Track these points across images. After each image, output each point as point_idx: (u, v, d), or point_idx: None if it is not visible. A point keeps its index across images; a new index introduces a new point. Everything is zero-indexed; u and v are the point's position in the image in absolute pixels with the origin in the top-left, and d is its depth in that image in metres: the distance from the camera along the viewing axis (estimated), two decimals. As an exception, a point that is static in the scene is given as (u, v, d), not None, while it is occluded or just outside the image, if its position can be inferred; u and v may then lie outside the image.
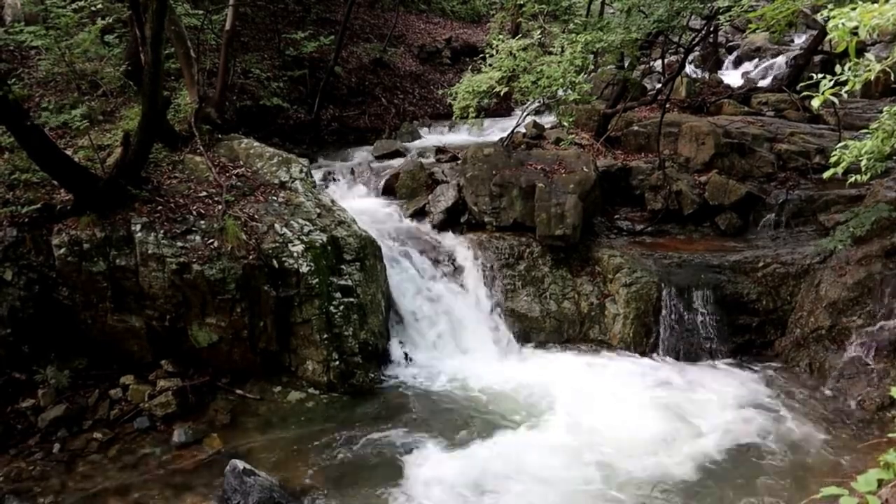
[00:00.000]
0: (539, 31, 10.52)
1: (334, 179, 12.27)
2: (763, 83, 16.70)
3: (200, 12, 11.58)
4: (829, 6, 4.25)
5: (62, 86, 10.01)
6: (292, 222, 8.76)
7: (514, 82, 10.24)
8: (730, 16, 9.28)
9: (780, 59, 17.70)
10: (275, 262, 8.28)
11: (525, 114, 12.54)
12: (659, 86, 14.05)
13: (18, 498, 6.49)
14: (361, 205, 11.13)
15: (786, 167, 11.72)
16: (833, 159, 5.65)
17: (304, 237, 8.57)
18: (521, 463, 6.96)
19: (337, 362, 8.29)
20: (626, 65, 14.14)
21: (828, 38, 13.20)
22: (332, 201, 9.92)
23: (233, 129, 11.32)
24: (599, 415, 7.74)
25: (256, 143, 10.27)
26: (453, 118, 11.30)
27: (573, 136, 11.96)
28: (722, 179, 11.21)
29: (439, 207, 10.84)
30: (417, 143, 14.89)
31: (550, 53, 9.97)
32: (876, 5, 3.40)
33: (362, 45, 17.85)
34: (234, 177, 9.33)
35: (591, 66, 12.12)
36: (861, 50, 5.49)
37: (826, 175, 5.70)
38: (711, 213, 11.17)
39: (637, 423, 7.54)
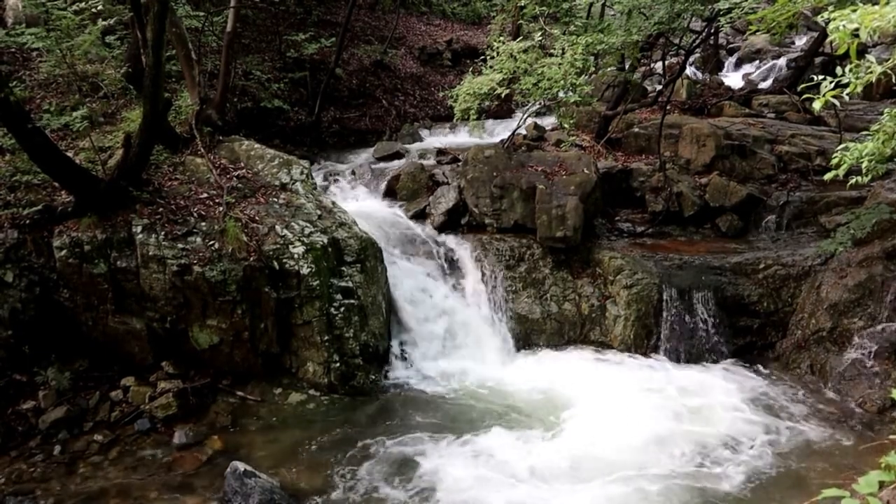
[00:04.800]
0: (540, 33, 10.52)
1: (335, 181, 12.28)
2: (764, 85, 16.69)
3: (201, 14, 11.59)
4: (830, 8, 4.25)
5: (63, 88, 10.02)
6: (293, 224, 8.77)
7: (514, 84, 10.25)
8: (730, 18, 9.27)
9: (781, 61, 17.69)
10: (276, 263, 8.28)
11: (526, 115, 12.55)
12: (660, 87, 14.06)
13: (19, 499, 6.49)
14: (362, 206, 11.14)
15: (787, 169, 11.73)
16: (834, 161, 5.64)
17: (304, 239, 8.58)
18: (523, 465, 6.96)
19: (337, 364, 8.29)
20: (627, 67, 14.15)
21: (828, 39, 13.17)
22: (333, 203, 9.93)
23: (234, 130, 11.33)
24: (600, 417, 7.74)
25: (257, 145, 10.28)
26: (454, 120, 11.32)
27: (574, 137, 11.97)
28: (723, 181, 11.21)
29: (440, 209, 10.84)
30: (418, 144, 14.89)
31: (551, 55, 9.97)
32: (877, 7, 3.40)
33: (363, 47, 17.86)
34: (234, 178, 9.34)
35: (592, 68, 12.10)
36: (862, 52, 5.47)
37: (827, 177, 5.70)
38: (712, 214, 11.18)
39: (638, 425, 7.53)
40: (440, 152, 13.12)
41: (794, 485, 6.64)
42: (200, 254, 8.01)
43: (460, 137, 15.14)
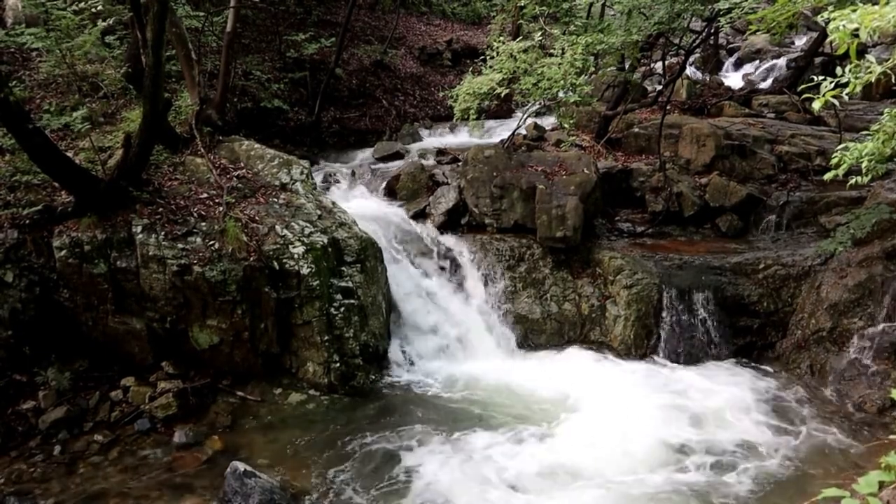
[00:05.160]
0: (540, 33, 10.51)
1: (335, 181, 12.27)
2: (764, 85, 16.68)
3: (201, 14, 11.60)
4: (830, 8, 4.25)
5: (63, 88, 10.02)
6: (293, 224, 8.77)
7: (514, 84, 10.24)
8: (730, 18, 9.27)
9: (781, 61, 17.69)
10: (276, 263, 8.28)
11: (526, 115, 12.55)
12: (660, 87, 14.06)
13: (19, 499, 6.49)
14: (362, 206, 11.12)
15: (787, 169, 11.73)
16: (834, 161, 5.65)
17: (304, 239, 8.58)
18: (522, 466, 6.95)
19: (337, 364, 8.29)
20: (627, 67, 14.15)
21: (828, 39, 13.15)
22: (333, 203, 9.93)
23: (233, 130, 11.33)
24: (596, 419, 7.72)
25: (257, 145, 10.28)
26: (454, 120, 11.31)
27: (574, 137, 11.97)
28: (723, 181, 11.21)
29: (440, 209, 10.84)
30: (418, 144, 14.89)
31: (551, 55, 9.96)
32: (876, 7, 3.40)
33: (363, 47, 17.87)
34: (234, 178, 9.34)
35: (592, 68, 12.10)
36: (862, 52, 5.47)
37: (827, 177, 5.70)
38: (712, 214, 11.18)
39: (635, 427, 7.51)
40: (440, 152, 13.12)
41: (793, 484, 6.64)
42: (200, 254, 8.01)
43: (460, 137, 15.14)
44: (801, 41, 19.44)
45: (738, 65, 19.45)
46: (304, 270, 8.29)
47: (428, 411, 8.05)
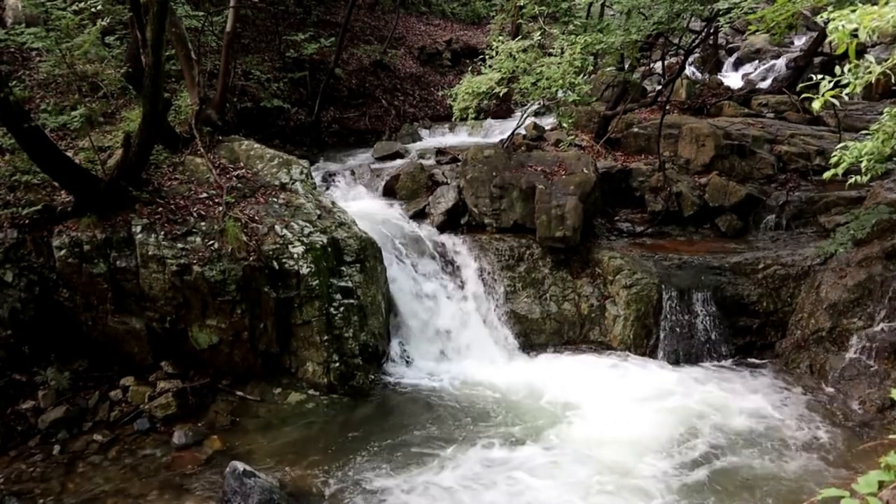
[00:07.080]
0: (539, 33, 10.51)
1: (335, 181, 12.27)
2: (763, 85, 16.69)
3: (201, 14, 11.60)
4: (829, 8, 4.26)
5: (63, 87, 10.02)
6: (293, 224, 8.77)
7: (513, 84, 10.25)
8: (730, 18, 9.27)
9: (781, 61, 17.70)
10: (275, 263, 8.28)
11: (525, 115, 12.55)
12: (659, 87, 14.06)
13: (19, 499, 6.49)
14: (362, 206, 11.13)
15: (786, 169, 11.74)
16: (833, 160, 5.65)
17: (304, 239, 8.58)
18: (522, 466, 6.96)
19: (337, 364, 8.29)
20: (627, 66, 14.16)
21: (828, 40, 13.14)
22: (333, 203, 9.93)
23: (233, 130, 11.34)
24: (594, 421, 7.72)
25: (257, 145, 10.28)
26: (453, 119, 11.32)
27: (573, 137, 11.97)
28: (722, 181, 11.22)
29: (439, 209, 10.84)
30: (418, 144, 14.90)
31: (550, 55, 9.97)
32: (876, 7, 3.40)
33: (363, 47, 17.88)
34: (234, 178, 9.34)
35: (591, 68, 12.11)
36: (861, 52, 5.47)
37: (826, 175, 5.70)
38: (712, 214, 11.18)
39: (639, 426, 7.53)
40: (439, 152, 13.12)
41: (793, 484, 6.64)
42: (200, 253, 8.01)
43: (460, 137, 15.15)
44: (800, 41, 19.44)
45: (737, 65, 19.47)
46: (304, 270, 8.29)
47: (427, 412, 8.05)
